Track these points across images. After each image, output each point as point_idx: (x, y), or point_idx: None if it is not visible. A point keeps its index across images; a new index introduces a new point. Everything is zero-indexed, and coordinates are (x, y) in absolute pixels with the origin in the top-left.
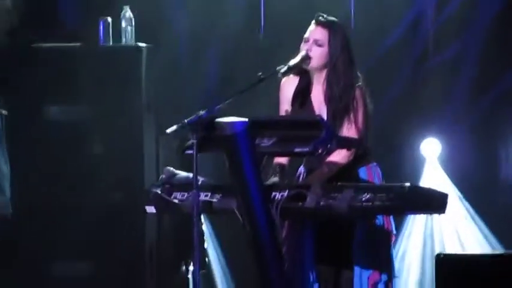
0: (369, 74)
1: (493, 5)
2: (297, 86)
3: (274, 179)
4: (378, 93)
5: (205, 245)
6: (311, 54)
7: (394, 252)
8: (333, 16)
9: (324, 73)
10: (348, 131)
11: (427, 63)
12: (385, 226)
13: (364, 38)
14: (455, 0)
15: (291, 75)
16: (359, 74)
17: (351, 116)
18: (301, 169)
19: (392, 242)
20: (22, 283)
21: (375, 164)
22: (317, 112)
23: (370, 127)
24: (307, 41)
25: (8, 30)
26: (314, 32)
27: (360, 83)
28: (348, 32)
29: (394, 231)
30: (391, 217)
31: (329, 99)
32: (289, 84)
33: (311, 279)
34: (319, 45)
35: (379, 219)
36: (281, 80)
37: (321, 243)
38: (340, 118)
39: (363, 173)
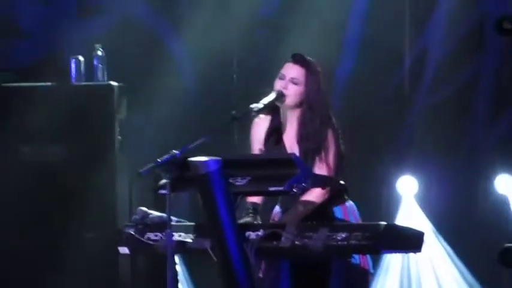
0: (346, 112)
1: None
2: (269, 125)
3: (248, 218)
4: (354, 130)
5: (180, 286)
6: (286, 92)
7: None
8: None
9: (296, 112)
10: (320, 170)
11: (403, 101)
12: (362, 265)
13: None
14: (442, 47)
15: (262, 116)
16: (332, 115)
17: (322, 155)
18: (277, 208)
19: (370, 281)
20: None
21: (350, 202)
22: (289, 151)
23: (344, 167)
24: (282, 78)
25: None
26: (291, 69)
27: (333, 123)
28: (323, 73)
29: (372, 270)
30: (368, 256)
31: (302, 138)
32: (260, 125)
33: None
34: (295, 83)
35: (356, 258)
36: (254, 118)
37: (297, 283)
38: (311, 157)
39: (338, 211)
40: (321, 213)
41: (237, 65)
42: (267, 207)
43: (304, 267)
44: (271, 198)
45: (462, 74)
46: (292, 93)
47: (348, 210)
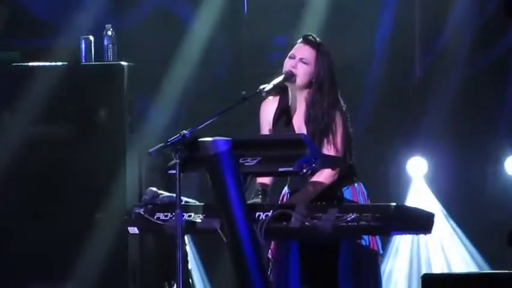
0: (357, 94)
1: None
2: (278, 106)
3: (257, 199)
4: (364, 112)
5: (189, 266)
6: (296, 71)
7: (381, 272)
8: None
9: (305, 92)
10: (327, 152)
11: (413, 83)
12: (371, 246)
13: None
14: (441, 36)
15: (270, 97)
16: (340, 98)
17: (330, 137)
18: (286, 190)
19: (380, 262)
20: None
21: (360, 183)
22: (297, 132)
23: (351, 149)
24: (292, 57)
25: None
26: (301, 50)
27: (341, 105)
28: (333, 56)
29: (381, 251)
30: (377, 237)
31: (310, 119)
32: (268, 106)
33: None
34: (305, 63)
35: (365, 240)
36: (264, 98)
37: (306, 264)
38: (319, 139)
39: (347, 192)
40: (330, 194)
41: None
42: (277, 189)
43: (313, 248)
44: (280, 179)
45: (475, 58)
46: (302, 72)
47: (357, 191)
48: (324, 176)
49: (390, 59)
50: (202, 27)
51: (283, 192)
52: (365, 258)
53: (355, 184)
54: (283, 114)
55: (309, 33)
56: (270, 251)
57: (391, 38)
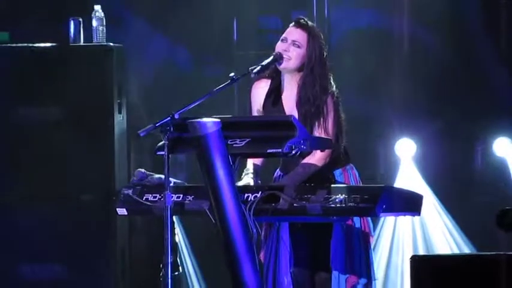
0: (344, 76)
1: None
2: (269, 88)
3: (247, 180)
4: (352, 93)
5: (178, 246)
6: (288, 54)
7: (372, 253)
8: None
9: (297, 76)
10: (319, 135)
11: (401, 63)
12: (363, 228)
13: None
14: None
15: (262, 79)
16: (332, 82)
17: (321, 120)
18: (278, 172)
19: (371, 243)
20: None
21: (352, 166)
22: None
23: (343, 132)
24: (284, 40)
25: None
26: (293, 33)
27: (333, 89)
28: (325, 39)
29: (372, 233)
30: (369, 218)
31: (302, 101)
32: (259, 88)
33: (285, 283)
34: (297, 47)
35: (356, 221)
36: (253, 80)
37: (297, 246)
38: (310, 122)
39: (338, 175)
40: (322, 176)
41: (237, 30)
42: (270, 171)
43: (304, 230)
44: (273, 161)
45: (462, 36)
46: (294, 56)
47: (349, 173)
48: (316, 158)
49: (380, 38)
50: None
51: (276, 174)
52: (357, 239)
53: (347, 167)
54: (274, 96)
55: (301, 17)
56: (262, 232)
57: (378, 12)
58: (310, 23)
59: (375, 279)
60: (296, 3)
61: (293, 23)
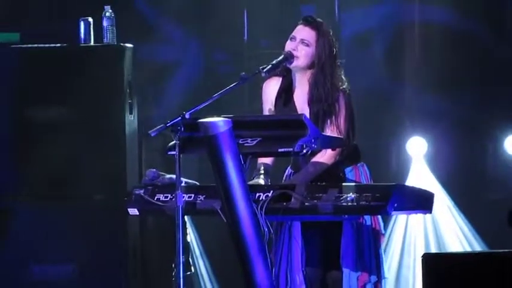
0: (356, 75)
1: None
2: (280, 86)
3: (258, 179)
4: (364, 92)
5: (190, 246)
6: (297, 53)
7: (382, 252)
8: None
9: (307, 74)
10: (331, 133)
11: (412, 63)
12: (373, 226)
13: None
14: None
15: (273, 77)
16: (344, 78)
17: (333, 118)
18: (289, 170)
19: (382, 242)
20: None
21: (363, 164)
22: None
23: (355, 130)
24: (293, 39)
25: None
26: (302, 31)
27: (345, 87)
28: (335, 36)
29: (383, 231)
30: (379, 217)
31: (313, 100)
32: (270, 86)
33: (297, 281)
34: (306, 45)
35: (367, 220)
36: (264, 79)
37: (309, 245)
38: (322, 120)
39: (349, 173)
40: (333, 175)
41: (247, 29)
42: (280, 169)
43: (315, 229)
44: (284, 160)
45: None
46: (303, 54)
47: (360, 171)
48: (326, 156)
49: (390, 36)
50: None
51: (287, 172)
52: (367, 238)
53: (358, 165)
54: (286, 95)
55: (309, 15)
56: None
57: (389, 13)
58: (318, 20)
59: (384, 278)
60: None
61: (301, 21)
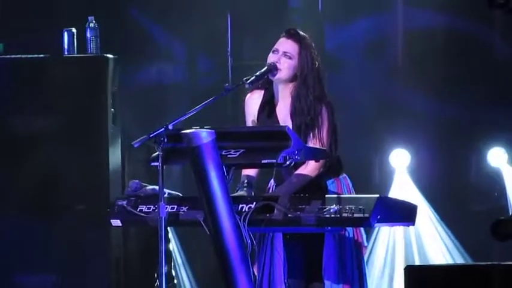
0: (339, 86)
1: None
2: (262, 99)
3: (241, 191)
4: (347, 105)
5: (173, 255)
6: (279, 66)
7: (365, 264)
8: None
9: (290, 86)
10: (313, 145)
11: (395, 75)
12: (356, 238)
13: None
14: (421, 18)
15: (255, 90)
16: (325, 90)
17: (316, 131)
18: (272, 182)
19: (364, 253)
20: None
21: (345, 176)
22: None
23: (337, 142)
24: (276, 52)
25: None
26: (284, 44)
27: (327, 99)
28: (317, 50)
29: (365, 243)
30: (362, 228)
31: (296, 112)
32: (253, 99)
33: None
34: (289, 58)
35: (349, 231)
36: (247, 90)
37: (291, 256)
38: (305, 133)
39: (331, 185)
40: (315, 187)
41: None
42: (264, 181)
43: (298, 240)
44: (267, 172)
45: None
46: (286, 67)
47: (342, 183)
48: (309, 168)
49: (373, 50)
50: None
51: (270, 184)
52: (349, 250)
53: (340, 177)
54: (268, 107)
55: (292, 27)
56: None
57: (373, 27)
58: (301, 33)
59: None
60: None
61: (283, 33)
